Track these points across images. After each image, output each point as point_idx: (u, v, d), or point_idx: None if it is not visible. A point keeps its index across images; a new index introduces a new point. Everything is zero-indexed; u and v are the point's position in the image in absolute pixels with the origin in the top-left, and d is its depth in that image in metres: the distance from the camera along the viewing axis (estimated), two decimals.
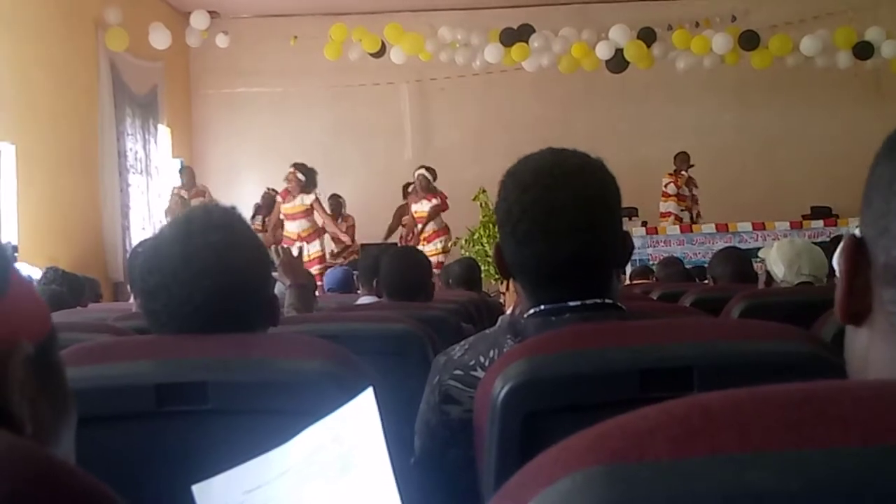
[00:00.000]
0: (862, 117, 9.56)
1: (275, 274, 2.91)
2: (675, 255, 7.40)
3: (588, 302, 1.32)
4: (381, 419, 0.90)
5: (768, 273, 3.20)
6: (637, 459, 0.43)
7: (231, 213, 1.39)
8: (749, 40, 9.42)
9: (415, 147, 10.96)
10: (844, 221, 8.68)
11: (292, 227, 8.39)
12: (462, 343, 1.43)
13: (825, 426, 0.43)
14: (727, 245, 6.40)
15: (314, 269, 7.73)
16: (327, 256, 8.63)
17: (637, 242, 7.11)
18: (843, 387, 0.47)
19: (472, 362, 1.35)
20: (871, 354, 0.59)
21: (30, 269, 5.29)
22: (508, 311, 3.16)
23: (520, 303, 1.51)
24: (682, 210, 9.40)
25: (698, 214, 9.45)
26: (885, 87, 9.97)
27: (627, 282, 6.03)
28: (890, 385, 0.48)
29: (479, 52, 9.61)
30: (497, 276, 7.12)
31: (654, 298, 3.55)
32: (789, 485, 0.41)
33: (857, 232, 0.62)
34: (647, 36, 9.50)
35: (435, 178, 8.77)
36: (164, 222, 8.47)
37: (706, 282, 4.70)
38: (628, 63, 9.50)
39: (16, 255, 6.63)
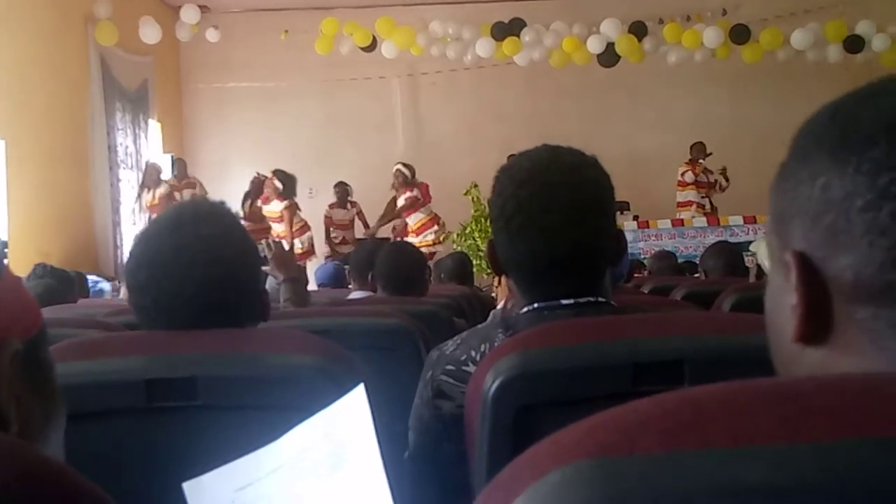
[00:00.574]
0: None
1: (266, 268, 2.91)
2: (666, 248, 7.41)
3: (581, 300, 1.33)
4: (374, 414, 0.90)
5: (759, 266, 3.22)
6: (627, 453, 0.43)
7: (220, 207, 1.39)
8: (740, 34, 9.43)
9: (406, 141, 10.95)
10: None
11: (276, 227, 8.60)
12: (455, 338, 1.43)
13: (815, 420, 0.43)
14: (718, 239, 6.42)
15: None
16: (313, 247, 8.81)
17: (629, 237, 7.11)
18: (833, 380, 0.47)
19: (463, 357, 1.35)
20: (836, 371, 0.58)
21: (19, 265, 5.27)
22: (500, 306, 3.17)
23: (511, 297, 1.51)
24: (702, 197, 9.40)
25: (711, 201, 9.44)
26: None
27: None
28: (879, 378, 0.48)
29: (470, 47, 9.60)
30: (489, 271, 7.12)
31: (646, 292, 3.55)
32: (779, 478, 0.41)
33: (759, 251, 0.61)
34: (638, 30, 9.51)
35: (413, 174, 8.83)
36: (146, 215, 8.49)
37: (697, 275, 4.71)
38: (619, 57, 9.50)
39: (6, 250, 6.61)
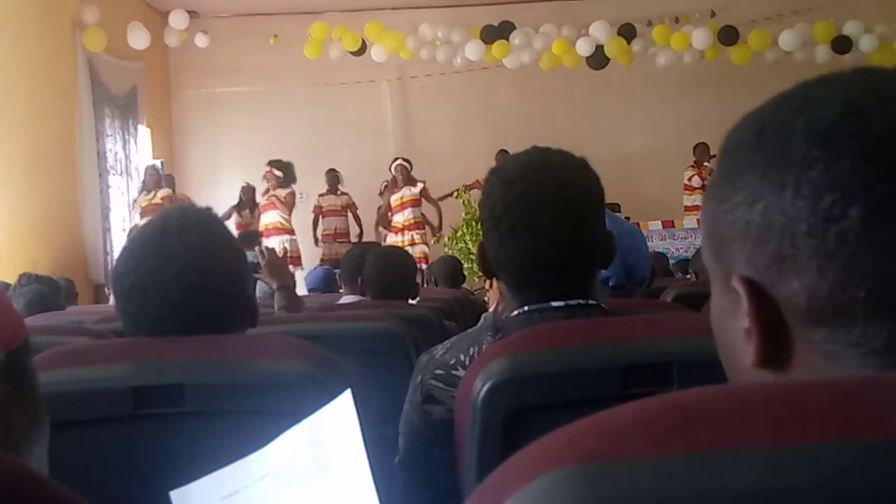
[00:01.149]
0: None
1: (258, 275, 2.90)
2: (657, 249, 7.43)
3: (571, 303, 1.32)
4: (363, 419, 0.89)
5: None
6: (612, 458, 0.43)
7: (207, 214, 1.38)
8: (728, 35, 9.47)
9: (397, 144, 10.95)
10: None
11: (264, 219, 8.70)
12: (445, 342, 1.43)
13: (802, 423, 0.43)
14: None
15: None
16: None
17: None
18: (819, 383, 0.47)
19: (452, 361, 1.35)
20: None
21: (8, 273, 5.25)
22: (491, 309, 3.16)
23: (502, 300, 1.51)
24: None
25: None
26: None
27: None
28: (866, 381, 0.48)
29: (459, 50, 9.61)
30: (480, 274, 7.13)
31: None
32: (766, 482, 0.41)
33: (738, 272, 0.58)
34: (627, 32, 9.53)
35: (411, 169, 8.92)
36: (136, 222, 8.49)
37: (689, 276, 4.72)
38: (609, 59, 9.52)
39: None
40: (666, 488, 0.41)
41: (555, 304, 1.32)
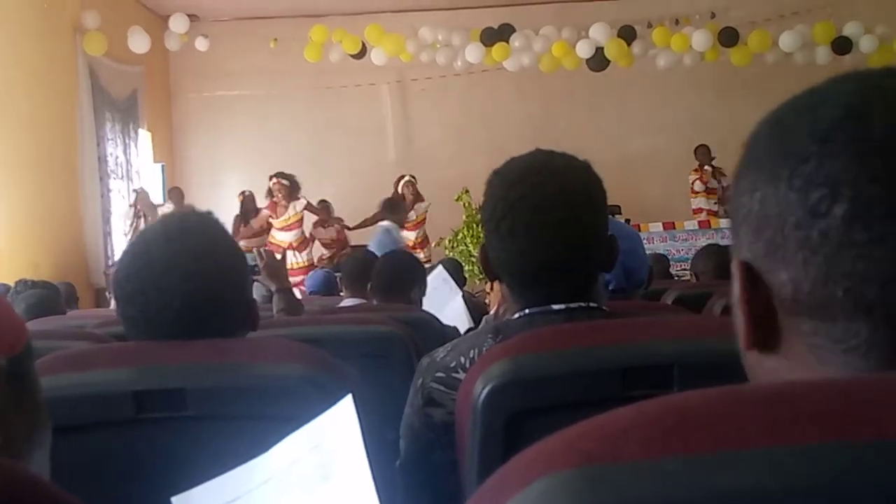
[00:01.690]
0: None
1: (257, 278, 2.90)
2: (658, 251, 7.42)
3: (573, 305, 1.32)
4: (364, 422, 0.89)
5: None
6: (610, 460, 0.43)
7: (207, 218, 1.39)
8: (729, 37, 9.46)
9: (397, 148, 10.96)
10: None
11: (285, 237, 8.38)
12: (446, 345, 1.43)
13: (799, 424, 0.43)
14: (709, 242, 6.43)
15: (300, 279, 7.70)
16: (315, 262, 8.64)
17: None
18: (815, 384, 0.47)
19: (453, 364, 1.35)
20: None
21: (9, 278, 5.25)
22: (492, 312, 3.16)
23: (503, 303, 1.51)
24: (714, 203, 9.39)
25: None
26: None
27: None
28: (862, 381, 0.48)
29: (460, 53, 9.61)
30: (482, 276, 7.13)
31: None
32: (764, 483, 0.41)
33: (741, 256, 0.60)
34: (627, 34, 9.53)
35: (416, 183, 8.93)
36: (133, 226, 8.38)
37: (687, 278, 4.72)
38: (609, 61, 9.52)
39: None
40: (665, 490, 0.41)
41: (556, 306, 1.32)
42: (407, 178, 8.93)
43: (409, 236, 8.86)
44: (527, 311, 1.34)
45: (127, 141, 9.42)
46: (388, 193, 9.23)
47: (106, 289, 7.90)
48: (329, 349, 1.33)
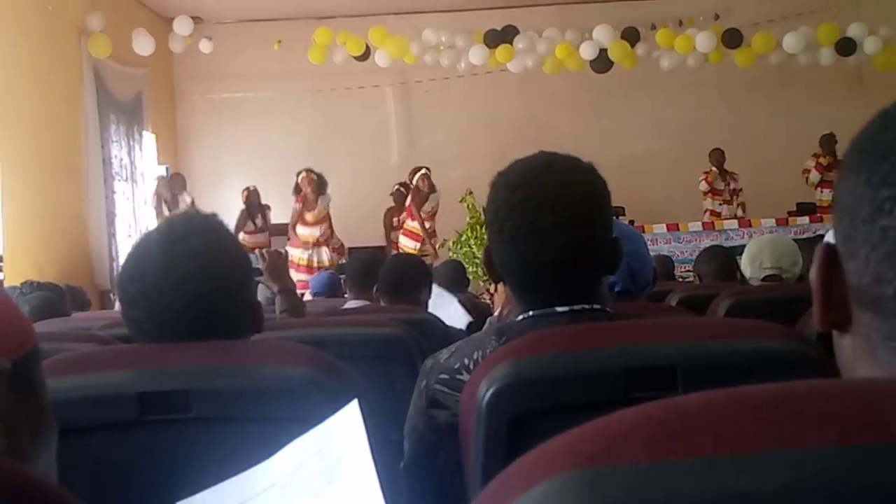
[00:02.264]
0: (845, 113, 9.56)
1: (260, 279, 2.90)
2: (662, 253, 7.42)
3: (576, 307, 1.32)
4: (368, 425, 0.89)
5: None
6: (613, 463, 0.43)
7: (212, 220, 1.39)
8: (732, 38, 9.45)
9: (400, 149, 10.96)
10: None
11: (313, 232, 8.40)
12: (450, 346, 1.43)
13: (802, 426, 0.43)
14: (713, 243, 6.42)
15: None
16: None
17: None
18: (819, 386, 0.47)
19: (457, 365, 1.35)
20: (858, 365, 0.60)
21: (14, 280, 5.26)
22: (496, 314, 3.16)
23: (507, 304, 1.51)
24: (719, 204, 9.42)
25: (740, 206, 9.43)
26: (867, 83, 10.00)
27: None
28: (865, 383, 0.48)
29: (463, 54, 9.62)
30: (485, 278, 7.12)
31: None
32: (767, 485, 0.41)
33: (829, 239, 0.62)
34: (630, 35, 9.53)
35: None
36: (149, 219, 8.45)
37: (691, 280, 4.71)
38: (612, 63, 9.52)
39: (0, 264, 6.59)
40: (668, 493, 0.41)
41: (559, 308, 1.32)
42: (423, 171, 8.91)
43: (423, 227, 8.87)
44: (530, 312, 1.34)
45: (131, 143, 9.43)
46: (391, 195, 9.25)
47: (110, 290, 7.91)
48: (333, 351, 1.33)
